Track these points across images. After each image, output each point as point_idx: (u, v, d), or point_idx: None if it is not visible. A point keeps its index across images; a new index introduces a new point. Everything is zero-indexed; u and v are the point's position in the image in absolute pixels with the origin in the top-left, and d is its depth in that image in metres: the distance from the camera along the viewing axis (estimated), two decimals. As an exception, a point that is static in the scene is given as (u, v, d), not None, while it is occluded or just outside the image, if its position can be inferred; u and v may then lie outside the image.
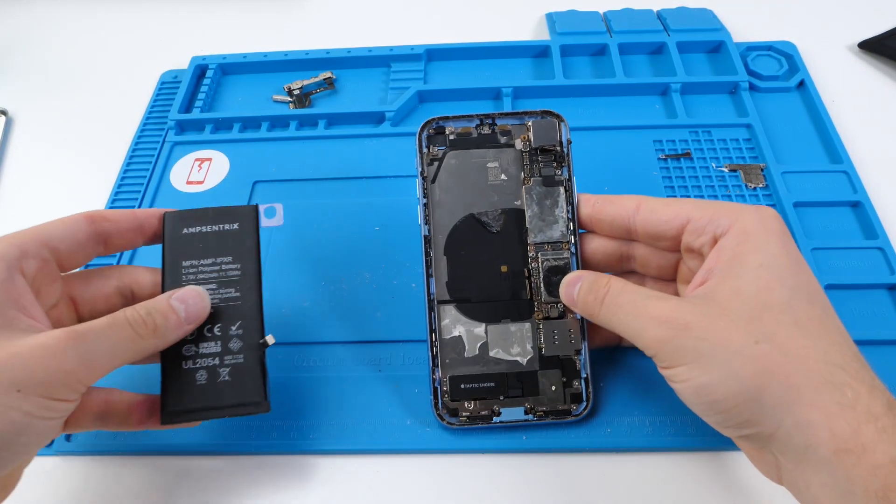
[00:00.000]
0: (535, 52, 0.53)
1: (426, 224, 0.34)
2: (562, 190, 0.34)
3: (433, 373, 0.33)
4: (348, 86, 0.52)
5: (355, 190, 0.45)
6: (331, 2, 0.60)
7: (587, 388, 0.33)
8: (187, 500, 0.33)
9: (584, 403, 0.33)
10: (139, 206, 0.45)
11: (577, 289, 0.31)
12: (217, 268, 0.31)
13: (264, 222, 0.33)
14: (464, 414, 0.33)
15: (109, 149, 0.49)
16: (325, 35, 0.57)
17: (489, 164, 0.35)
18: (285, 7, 0.60)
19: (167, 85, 0.53)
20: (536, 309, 0.34)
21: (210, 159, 0.47)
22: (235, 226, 0.32)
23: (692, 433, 0.33)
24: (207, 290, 0.30)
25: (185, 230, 0.32)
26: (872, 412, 0.24)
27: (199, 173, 0.46)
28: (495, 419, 0.32)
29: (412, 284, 0.39)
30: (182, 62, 0.54)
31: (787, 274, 0.27)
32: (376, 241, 0.41)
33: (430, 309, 0.33)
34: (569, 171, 0.34)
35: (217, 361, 0.30)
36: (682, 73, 0.49)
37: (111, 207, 0.45)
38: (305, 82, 0.51)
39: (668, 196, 0.43)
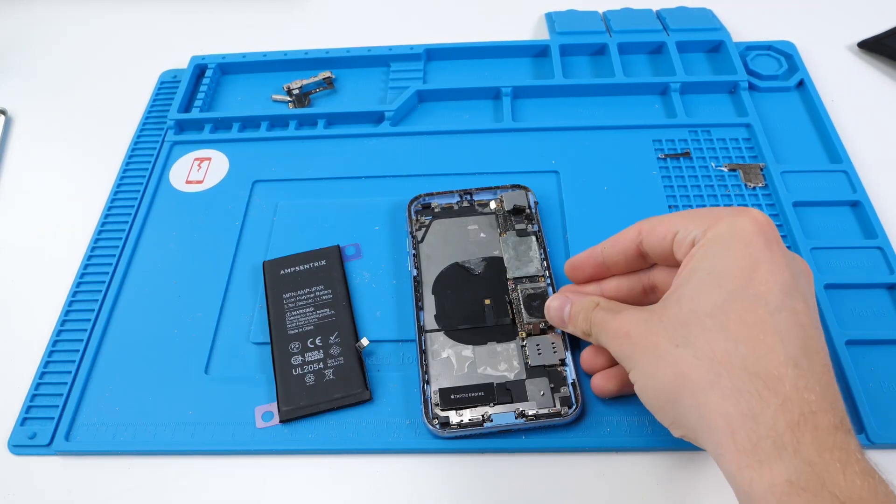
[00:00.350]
0: (535, 52, 0.53)
1: (415, 268, 0.38)
2: (534, 238, 0.39)
3: (423, 390, 0.34)
4: (348, 85, 0.52)
5: (355, 190, 0.44)
6: (330, 1, 0.60)
7: (575, 391, 0.33)
8: (187, 500, 0.33)
9: (574, 405, 0.33)
10: (138, 206, 0.45)
11: (567, 312, 0.32)
12: (312, 295, 0.38)
13: (347, 258, 0.40)
14: (454, 422, 0.33)
15: (109, 148, 0.49)
16: (324, 35, 0.57)
17: (469, 227, 0.40)
18: (285, 7, 0.60)
19: (166, 84, 0.53)
20: (520, 330, 0.35)
21: (209, 159, 0.47)
22: (323, 262, 0.40)
23: (692, 433, 0.33)
24: (305, 312, 0.37)
25: (281, 272, 0.39)
26: (775, 426, 0.22)
27: (199, 173, 0.46)
28: (487, 425, 0.33)
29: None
30: (181, 61, 0.54)
31: (732, 276, 0.25)
32: (376, 241, 0.41)
33: (420, 334, 0.36)
34: (538, 225, 0.40)
35: (322, 365, 0.36)
36: (681, 72, 0.49)
37: (111, 206, 0.45)
38: (305, 82, 0.51)
39: (666, 196, 0.43)
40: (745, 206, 0.42)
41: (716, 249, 0.26)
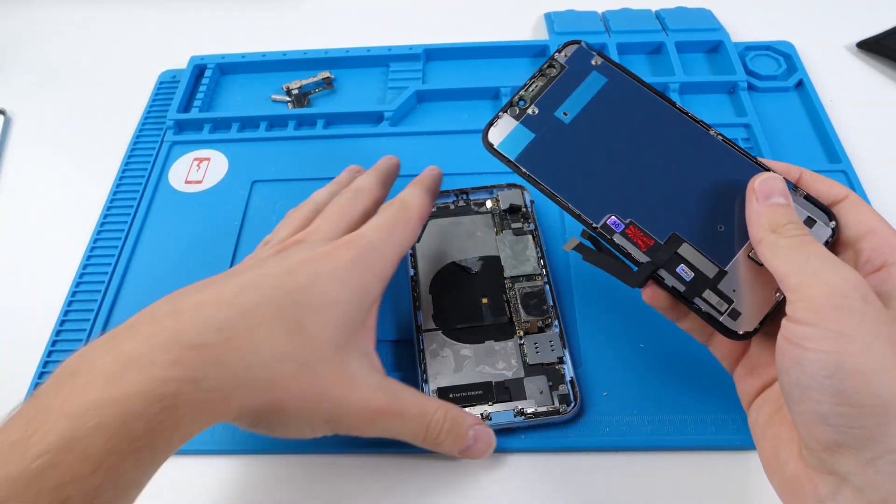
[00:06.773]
0: (534, 52, 0.53)
1: (412, 267, 0.38)
2: (530, 237, 0.39)
3: (422, 389, 0.34)
4: (347, 85, 0.52)
5: (354, 189, 0.44)
6: (329, 2, 0.60)
7: (573, 388, 0.33)
8: (193, 501, 0.33)
9: (573, 403, 0.33)
10: (137, 206, 0.45)
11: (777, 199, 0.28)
12: None
13: None
14: None
15: (108, 148, 0.49)
16: (323, 35, 0.57)
17: (466, 226, 0.40)
18: (284, 7, 0.60)
19: (166, 84, 0.53)
20: (517, 328, 0.36)
21: (209, 159, 0.47)
22: None
23: (692, 432, 0.33)
24: None
25: None
26: None
27: (198, 173, 0.46)
28: (486, 423, 0.33)
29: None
30: (180, 62, 0.54)
31: None
32: (375, 241, 0.41)
33: (418, 334, 0.36)
34: (534, 224, 0.40)
35: None
36: (680, 72, 0.49)
37: (110, 206, 0.45)
38: (304, 82, 0.51)
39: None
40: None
41: None
